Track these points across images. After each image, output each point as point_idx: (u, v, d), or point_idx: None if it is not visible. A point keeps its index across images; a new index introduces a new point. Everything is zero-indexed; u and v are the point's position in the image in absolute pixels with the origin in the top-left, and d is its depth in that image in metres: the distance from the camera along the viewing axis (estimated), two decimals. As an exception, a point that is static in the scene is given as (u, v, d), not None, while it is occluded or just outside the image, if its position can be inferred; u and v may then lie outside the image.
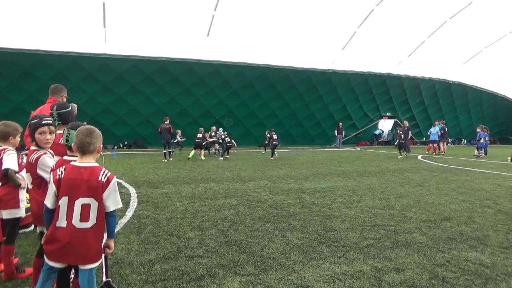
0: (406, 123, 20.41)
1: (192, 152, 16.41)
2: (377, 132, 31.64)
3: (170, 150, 15.76)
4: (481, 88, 31.30)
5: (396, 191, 8.21)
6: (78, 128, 2.60)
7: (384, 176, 10.62)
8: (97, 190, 2.44)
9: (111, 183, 2.50)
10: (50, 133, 3.08)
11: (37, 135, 3.02)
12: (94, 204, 2.43)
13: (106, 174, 2.50)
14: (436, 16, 25.21)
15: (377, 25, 24.72)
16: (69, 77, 19.33)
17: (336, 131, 26.80)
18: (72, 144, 2.61)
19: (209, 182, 9.20)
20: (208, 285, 3.32)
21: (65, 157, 2.86)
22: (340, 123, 26.69)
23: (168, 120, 16.11)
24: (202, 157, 16.06)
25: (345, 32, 25.12)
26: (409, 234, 4.86)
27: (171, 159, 15.26)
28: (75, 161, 2.55)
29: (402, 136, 18.92)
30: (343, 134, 26.30)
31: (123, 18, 20.25)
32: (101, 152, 2.64)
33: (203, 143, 16.68)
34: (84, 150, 2.49)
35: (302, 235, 4.81)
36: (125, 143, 23.08)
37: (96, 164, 2.53)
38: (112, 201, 2.51)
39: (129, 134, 23.30)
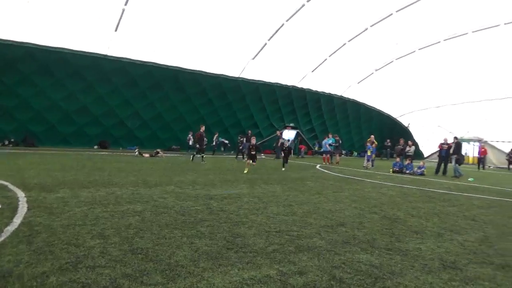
0: (278, 132, 24.23)
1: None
2: (281, 141, 33.15)
3: (202, 154, 17.64)
4: (371, 106, 35.13)
5: (298, 198, 8.72)
6: None
7: (287, 184, 11.20)
8: None
9: None
10: None
11: None
12: None
13: None
14: (337, 37, 27.68)
15: (286, 40, 26.17)
16: None
17: (244, 139, 27.21)
18: None
19: (111, 187, 8.66)
20: (112, 297, 3.13)
21: None
22: (249, 131, 27.27)
23: (203, 128, 18.32)
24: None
25: (256, 43, 26.05)
26: (310, 239, 5.22)
27: (204, 162, 17.19)
28: None
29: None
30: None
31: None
32: None
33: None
34: None
35: (210, 241, 4.82)
36: (12, 140, 20.39)
37: None
38: None
39: (17, 130, 20.67)
